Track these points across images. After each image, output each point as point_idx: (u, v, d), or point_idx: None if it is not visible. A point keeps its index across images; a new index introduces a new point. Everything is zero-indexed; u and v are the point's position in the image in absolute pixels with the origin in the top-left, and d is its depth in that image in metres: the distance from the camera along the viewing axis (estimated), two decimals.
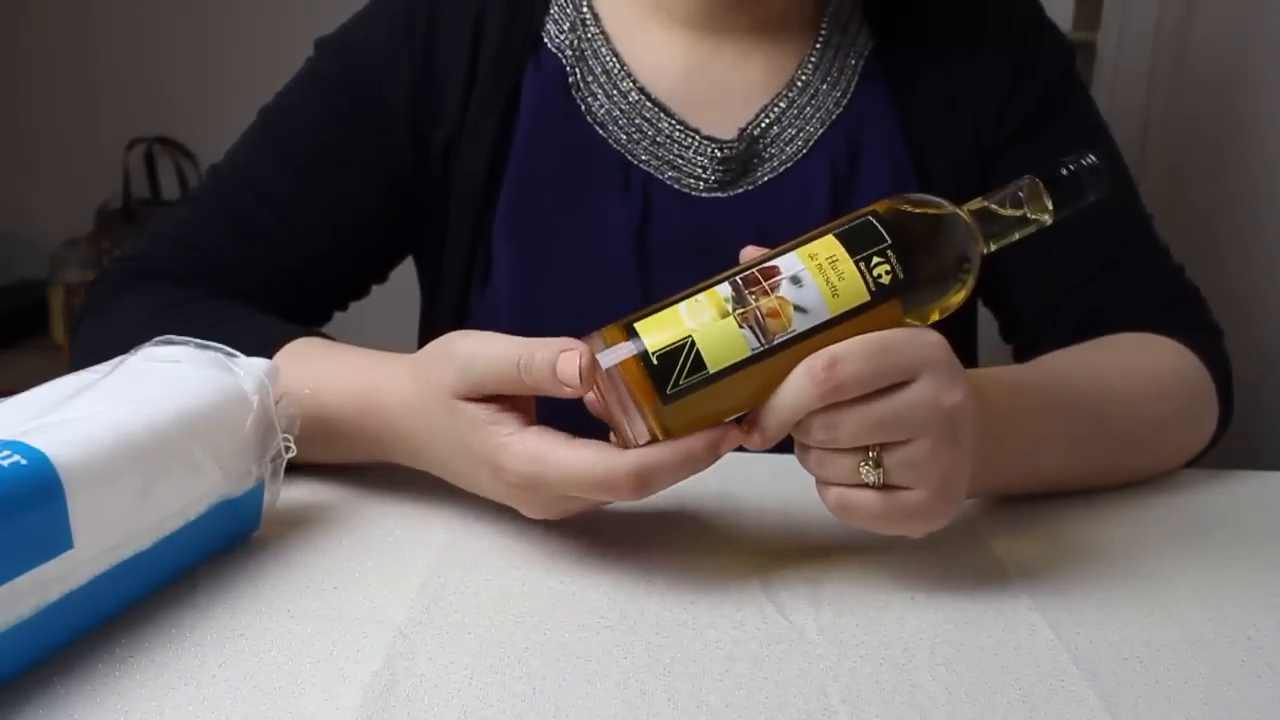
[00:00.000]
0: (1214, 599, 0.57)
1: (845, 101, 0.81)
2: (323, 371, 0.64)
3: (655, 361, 0.50)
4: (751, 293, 0.51)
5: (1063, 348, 0.75)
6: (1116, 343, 0.76)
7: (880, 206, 0.54)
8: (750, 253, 0.55)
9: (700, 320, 0.51)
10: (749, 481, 0.69)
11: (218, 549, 0.57)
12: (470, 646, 0.50)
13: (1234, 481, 0.73)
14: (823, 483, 0.54)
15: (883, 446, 0.52)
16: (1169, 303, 0.81)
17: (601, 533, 0.60)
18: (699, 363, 0.50)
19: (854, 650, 0.51)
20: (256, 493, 0.58)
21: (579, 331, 0.53)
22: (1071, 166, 0.57)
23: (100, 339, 0.67)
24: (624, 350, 0.51)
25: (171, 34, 2.42)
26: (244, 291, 0.75)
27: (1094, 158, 0.57)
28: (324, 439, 0.63)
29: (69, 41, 2.44)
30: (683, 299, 0.52)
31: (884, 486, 0.52)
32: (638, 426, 0.51)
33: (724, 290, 0.52)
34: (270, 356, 0.65)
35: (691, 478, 0.67)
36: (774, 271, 0.52)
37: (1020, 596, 0.56)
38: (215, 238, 0.78)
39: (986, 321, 0.90)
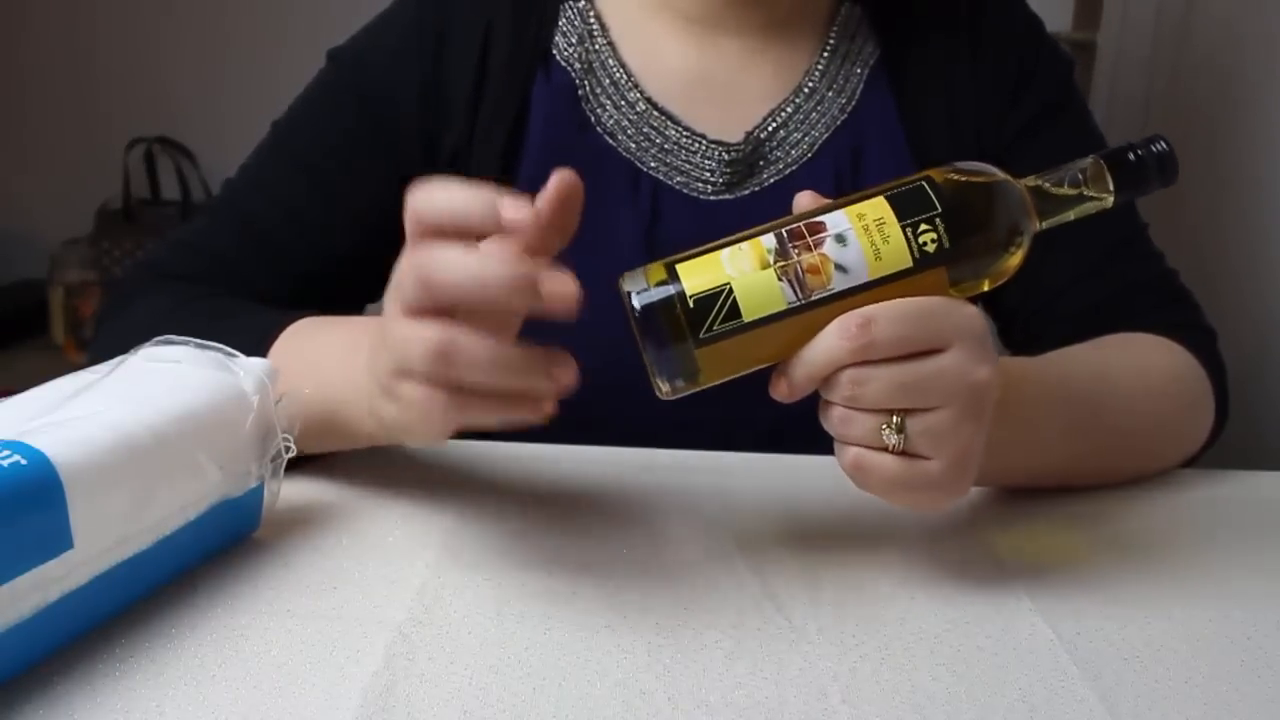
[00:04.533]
0: (1214, 599, 0.57)
1: (850, 108, 0.82)
2: (320, 343, 0.66)
3: (692, 305, 0.51)
4: (795, 246, 0.51)
5: (1059, 348, 0.75)
6: (1113, 341, 0.76)
7: (936, 174, 0.54)
8: (803, 200, 0.55)
9: (740, 269, 0.51)
10: (749, 481, 0.69)
11: (217, 549, 0.57)
12: (470, 646, 0.50)
13: (1233, 481, 0.73)
14: (842, 442, 0.54)
15: (907, 412, 0.52)
16: (1163, 303, 0.82)
17: (602, 533, 0.61)
18: (734, 310, 0.51)
19: (854, 650, 0.51)
20: (256, 493, 0.58)
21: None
22: (1140, 151, 0.56)
23: (117, 342, 0.68)
24: (663, 291, 0.51)
25: (171, 34, 2.43)
26: (255, 293, 0.77)
27: (1165, 144, 0.56)
28: (319, 419, 0.62)
29: (69, 41, 2.45)
30: (727, 245, 0.52)
31: (902, 453, 0.52)
32: (671, 367, 0.52)
33: (768, 241, 0.52)
34: (269, 347, 0.66)
35: (691, 477, 0.67)
36: (820, 228, 0.52)
37: (1020, 597, 0.56)
38: (227, 241, 0.79)
39: None
